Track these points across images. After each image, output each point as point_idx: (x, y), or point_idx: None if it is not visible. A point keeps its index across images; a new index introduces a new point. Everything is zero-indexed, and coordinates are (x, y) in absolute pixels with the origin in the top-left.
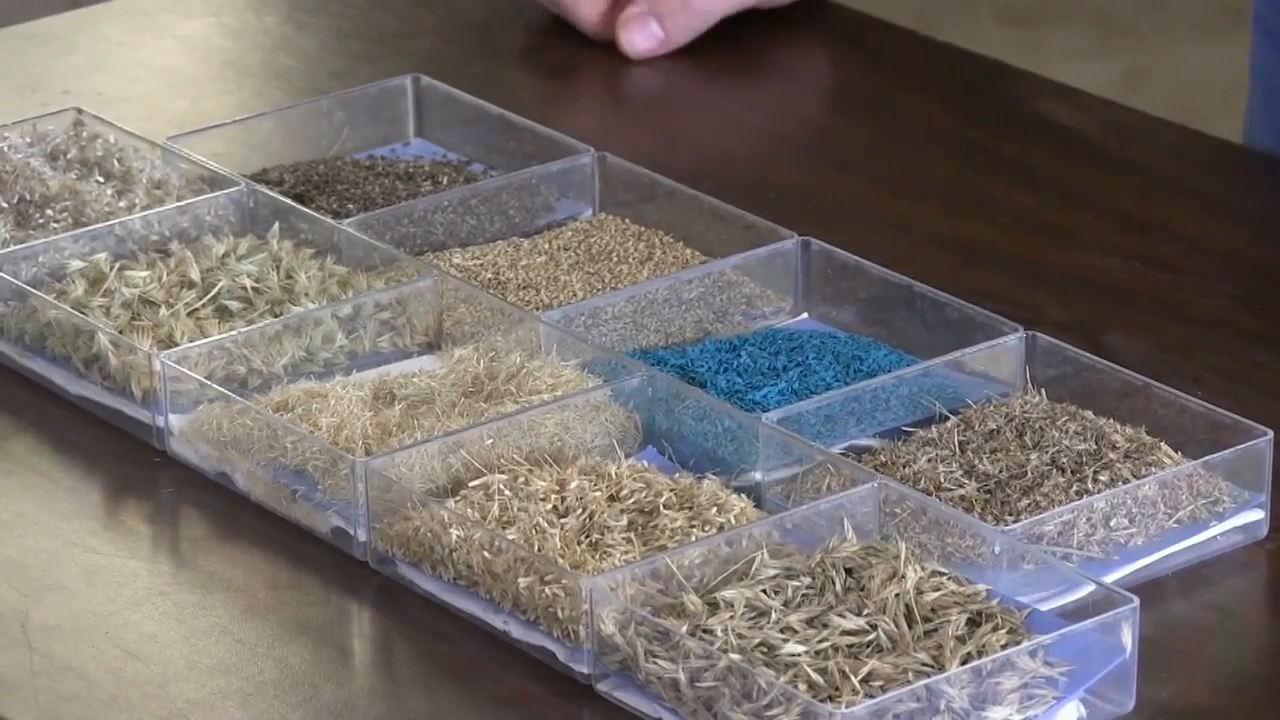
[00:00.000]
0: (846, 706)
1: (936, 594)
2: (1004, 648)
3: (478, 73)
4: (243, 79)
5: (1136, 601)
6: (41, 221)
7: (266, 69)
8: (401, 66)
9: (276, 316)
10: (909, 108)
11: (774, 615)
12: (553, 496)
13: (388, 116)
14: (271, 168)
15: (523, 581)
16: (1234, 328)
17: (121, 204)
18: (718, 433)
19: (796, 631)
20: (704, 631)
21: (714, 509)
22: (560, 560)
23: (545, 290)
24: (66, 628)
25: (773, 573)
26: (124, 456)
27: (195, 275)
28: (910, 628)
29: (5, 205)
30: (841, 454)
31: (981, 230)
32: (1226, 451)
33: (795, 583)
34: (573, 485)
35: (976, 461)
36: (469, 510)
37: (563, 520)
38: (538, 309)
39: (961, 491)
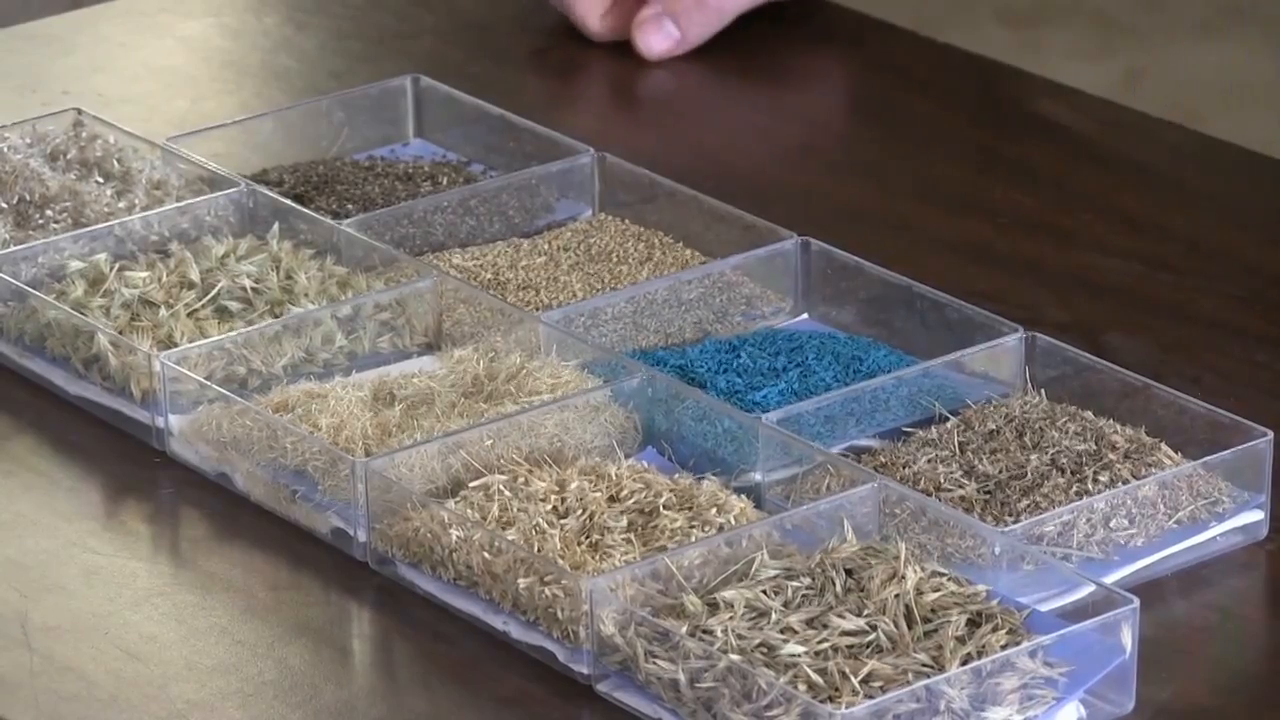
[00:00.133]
0: (846, 707)
1: (936, 594)
2: (1004, 648)
3: (477, 73)
4: (242, 79)
5: (1136, 602)
6: (41, 222)
7: (266, 69)
8: (401, 67)
9: (276, 317)
10: (909, 108)
11: (774, 616)
12: (552, 497)
13: (387, 117)
14: (271, 168)
15: (522, 582)
16: (1234, 328)
17: (121, 204)
18: (717, 433)
19: (796, 632)
20: (704, 632)
21: (714, 509)
22: (560, 561)
23: (545, 291)
24: (66, 628)
25: (773, 573)
26: (124, 457)
27: (195, 276)
28: (910, 628)
29: (5, 206)
30: (841, 455)
31: (981, 230)
32: (1226, 452)
33: (795, 583)
34: (572, 486)
35: (976, 462)
36: (469, 511)
37: (563, 521)
38: (537, 309)
39: (961, 492)
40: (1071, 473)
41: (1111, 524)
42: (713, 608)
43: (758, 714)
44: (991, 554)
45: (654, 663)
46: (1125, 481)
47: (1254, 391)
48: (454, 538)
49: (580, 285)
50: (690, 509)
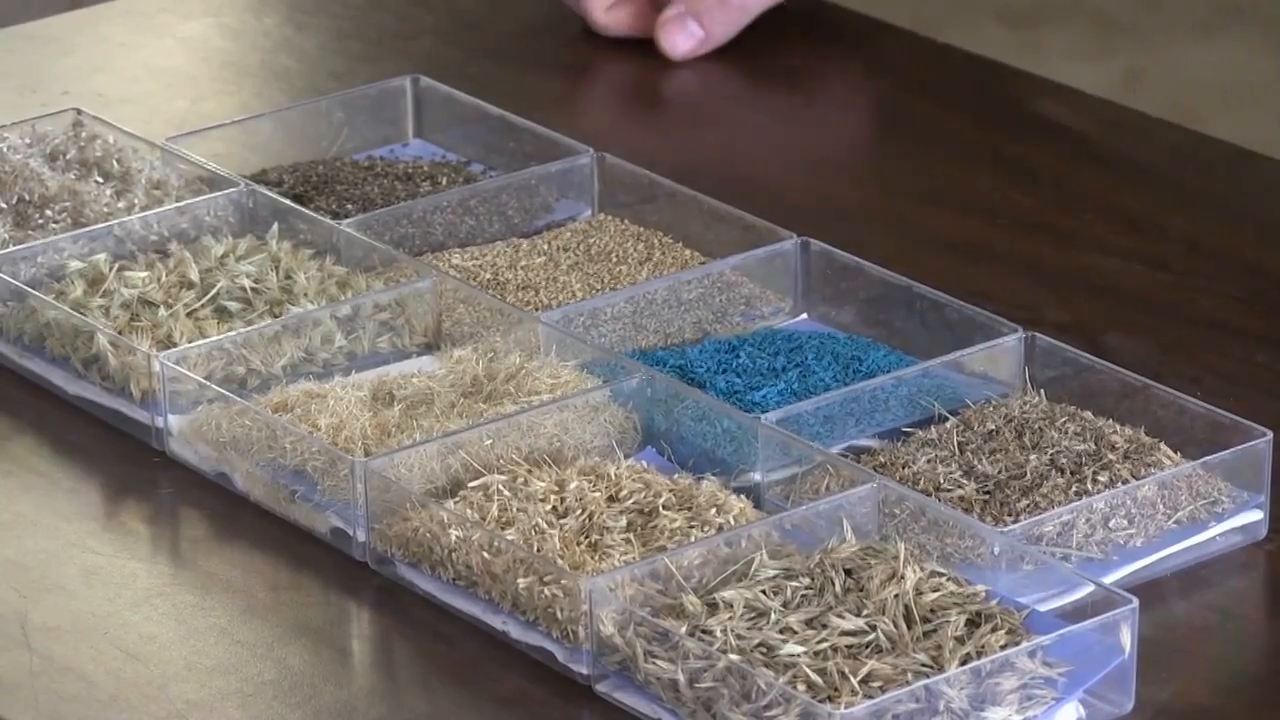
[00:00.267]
0: (846, 707)
1: (936, 595)
2: (1003, 648)
3: (477, 73)
4: (242, 80)
5: (1136, 602)
6: (41, 222)
7: (266, 70)
8: (401, 67)
9: (275, 317)
10: (909, 108)
11: (773, 616)
12: (552, 497)
13: (387, 117)
14: (271, 168)
15: (522, 582)
16: (1234, 328)
17: (120, 204)
18: (717, 433)
19: (796, 632)
20: (703, 632)
21: (713, 510)
22: (559, 561)
23: (544, 291)
24: (66, 629)
25: (772, 573)
26: (123, 457)
27: (194, 276)
28: (909, 628)
29: (4, 206)
30: (841, 455)
31: (981, 230)
32: (1226, 452)
33: (794, 583)
34: (572, 486)
35: (976, 462)
36: (468, 511)
37: (562, 521)
38: (537, 309)
39: (961, 492)
40: (1071, 473)
41: (1111, 524)
42: (712, 608)
43: (757, 714)
44: (991, 554)
45: (653, 663)
46: (1125, 482)
47: (1254, 391)
48: (453, 538)
49: (580, 285)
50: (689, 509)
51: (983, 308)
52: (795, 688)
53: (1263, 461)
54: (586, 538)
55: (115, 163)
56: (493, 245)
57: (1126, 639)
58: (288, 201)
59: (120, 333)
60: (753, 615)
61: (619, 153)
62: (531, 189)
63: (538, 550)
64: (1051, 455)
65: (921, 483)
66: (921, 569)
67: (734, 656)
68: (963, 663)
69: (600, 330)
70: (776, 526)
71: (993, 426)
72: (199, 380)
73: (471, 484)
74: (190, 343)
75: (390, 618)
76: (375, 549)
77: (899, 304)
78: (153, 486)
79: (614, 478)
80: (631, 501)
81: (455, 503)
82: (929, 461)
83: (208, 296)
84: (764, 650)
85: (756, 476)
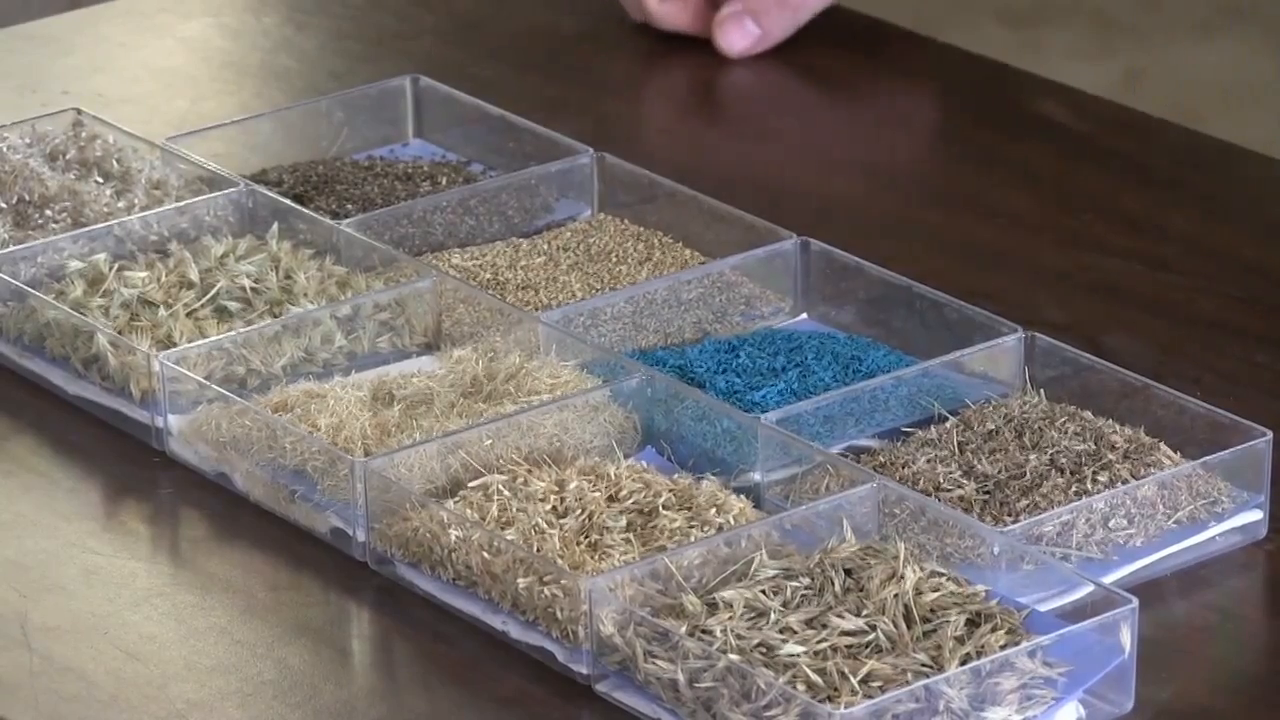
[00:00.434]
0: (845, 707)
1: (935, 594)
2: (1003, 648)
3: (477, 73)
4: (242, 79)
5: (1135, 602)
6: (40, 222)
7: (266, 70)
8: (401, 67)
9: (275, 317)
10: (908, 108)
11: (773, 616)
12: (552, 497)
13: (387, 117)
14: (271, 168)
15: (522, 582)
16: (1234, 328)
17: (120, 204)
18: (717, 433)
19: (795, 632)
20: (703, 632)
21: (713, 509)
22: (559, 561)
23: (544, 291)
24: (66, 628)
25: (772, 573)
26: (123, 457)
27: (194, 276)
28: (909, 628)
29: (4, 206)
30: (840, 455)
31: (981, 230)
32: (1226, 452)
33: (794, 583)
34: (572, 486)
35: (975, 462)
36: (468, 511)
37: (562, 521)
38: (537, 309)
39: (960, 492)
40: (1071, 473)
41: (1111, 524)
42: (712, 608)
43: (757, 714)
44: (991, 554)
45: (653, 663)
46: (1124, 481)
47: (1254, 391)
48: (453, 538)
49: (579, 285)
50: (689, 509)
51: (983, 308)
52: (795, 688)
53: (1262, 461)
54: (586, 538)
55: (115, 163)
56: (493, 245)
57: (1126, 639)
58: (288, 201)
59: (120, 333)
60: (753, 615)
61: (618, 153)
62: (531, 189)
63: (537, 550)
64: (1051, 455)
65: (921, 483)
66: (921, 569)
67: (734, 656)
68: (962, 663)
69: (600, 330)
70: (776, 526)
71: (992, 426)
72: (199, 380)
73: (471, 484)
74: (190, 343)
75: (390, 618)
76: (375, 549)
77: (899, 304)
78: (153, 486)
79: (614, 478)
80: (631, 501)
81: (455, 503)
82: (929, 461)
83: (208, 296)
84: (764, 650)
85: (756, 476)
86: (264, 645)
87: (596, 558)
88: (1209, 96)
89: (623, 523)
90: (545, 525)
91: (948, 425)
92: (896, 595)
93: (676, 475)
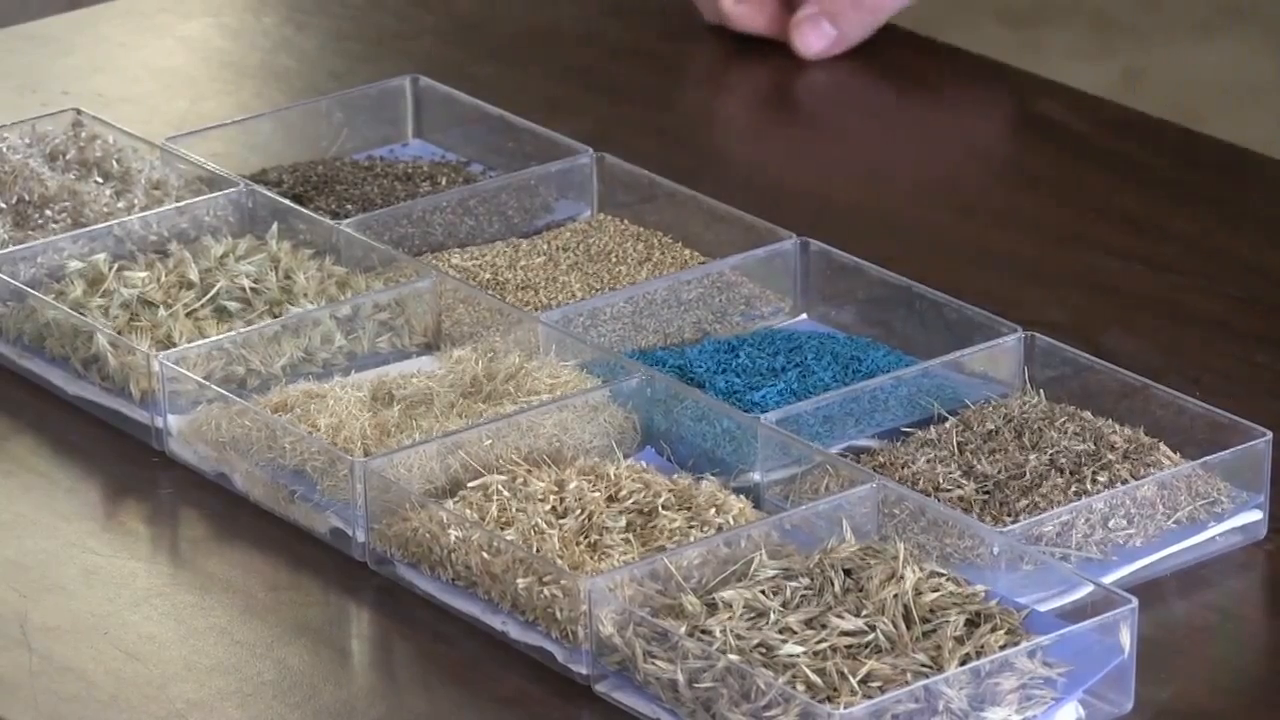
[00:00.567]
0: (845, 707)
1: (935, 595)
2: (1002, 648)
3: (477, 73)
4: (242, 80)
5: (1135, 602)
6: (40, 222)
7: (266, 70)
8: (401, 67)
9: (275, 317)
10: (908, 108)
11: (773, 616)
12: (551, 497)
13: (387, 117)
14: (270, 168)
15: (521, 582)
16: (1234, 328)
17: (120, 204)
18: (716, 433)
19: (795, 632)
20: (702, 632)
21: (713, 510)
22: (559, 561)
23: (544, 291)
24: (66, 628)
25: (771, 573)
26: (123, 457)
27: (194, 276)
28: (909, 628)
29: (4, 206)
30: (840, 455)
31: (981, 230)
32: (1225, 452)
33: (794, 583)
34: (571, 486)
35: (975, 462)
36: (468, 511)
37: (561, 521)
38: (536, 309)
39: (960, 492)
40: (1070, 473)
41: (1110, 524)
42: (711, 608)
43: (756, 714)
44: (990, 554)
45: (653, 663)
46: (1124, 482)
47: (1253, 392)
48: (453, 538)
49: (579, 285)
50: (689, 509)
51: (982, 308)
52: (795, 688)
53: (1262, 461)
54: (586, 538)
55: (115, 163)
56: (492, 245)
57: (1126, 639)
58: (287, 201)
59: (120, 333)
60: (752, 615)
61: (618, 153)
62: (531, 189)
63: (537, 550)
64: (1051, 455)
65: (921, 483)
66: (921, 569)
67: (733, 657)
68: (962, 663)
69: (600, 330)
70: (776, 526)
71: (992, 426)
72: (198, 380)
73: (471, 484)
74: (190, 343)
75: (390, 618)
76: (375, 549)
77: (899, 304)
78: (152, 486)
79: (613, 478)
80: (631, 501)
81: (455, 503)
82: (929, 461)
83: (207, 296)
84: (763, 650)
85: (756, 476)
86: (263, 645)
87: (596, 558)
88: (1209, 96)
89: (622, 523)
90: (545, 525)
91: (947, 425)
92: (896, 595)
93: (676, 475)
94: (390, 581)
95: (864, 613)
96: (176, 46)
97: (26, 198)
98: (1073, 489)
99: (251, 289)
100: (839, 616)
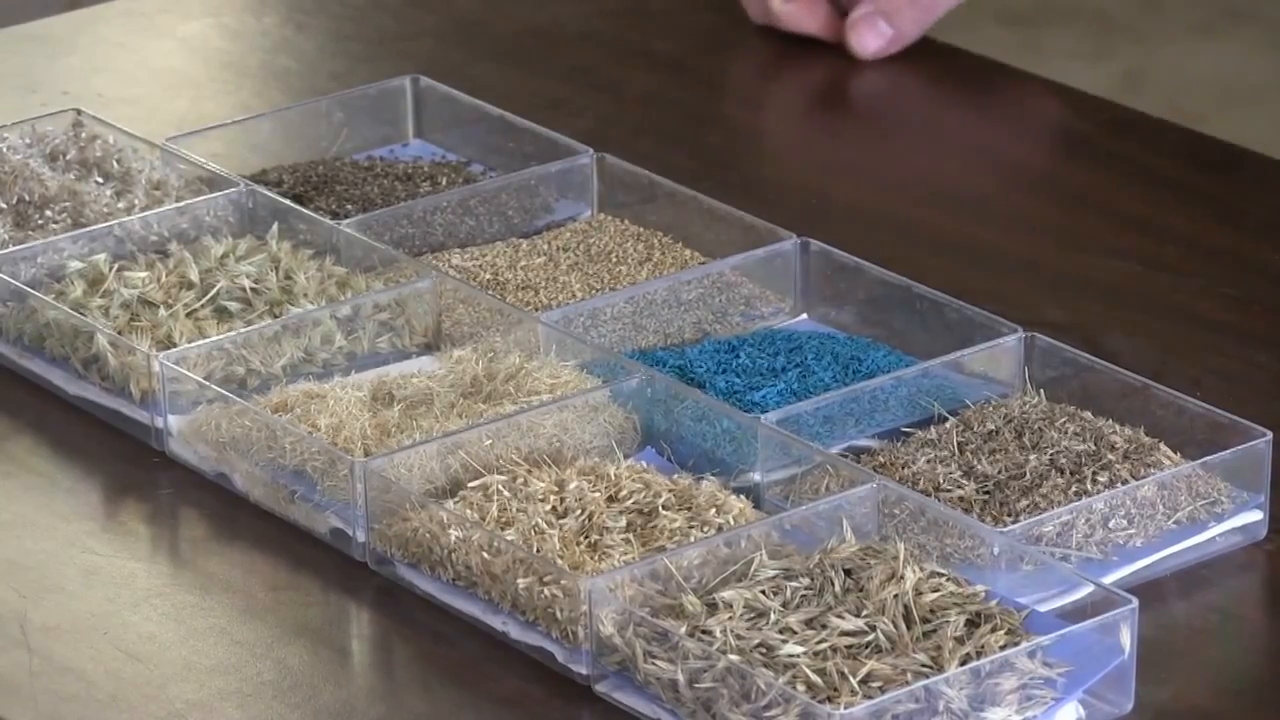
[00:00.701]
0: (845, 707)
1: (935, 595)
2: (1003, 648)
3: (477, 74)
4: (242, 80)
5: (1135, 602)
6: (40, 222)
7: (266, 70)
8: (401, 67)
9: (275, 317)
10: (909, 108)
11: (773, 616)
12: (551, 497)
13: (387, 117)
14: (270, 168)
15: (521, 582)
16: (1234, 329)
17: (120, 205)
18: (716, 433)
19: (795, 632)
20: (703, 632)
21: (713, 510)
22: (559, 561)
23: (544, 291)
24: (66, 628)
25: (771, 573)
26: (123, 457)
27: (194, 276)
28: (909, 628)
29: (4, 206)
30: (840, 455)
31: (981, 230)
32: (1226, 452)
33: (794, 583)
34: (571, 486)
35: (975, 462)
36: (468, 511)
37: (561, 521)
38: (537, 310)
39: (960, 492)
40: (1070, 473)
41: (1110, 524)
42: (712, 608)
43: (756, 714)
44: (990, 554)
45: (653, 663)
46: (1124, 482)
47: (1254, 392)
48: (453, 538)
49: (579, 285)
50: (689, 509)
51: (982, 308)
52: (795, 688)
53: (1262, 462)
54: (586, 538)
55: (115, 163)
56: (493, 245)
57: (1126, 639)
58: (287, 201)
59: (120, 333)
60: (752, 615)
61: (618, 153)
62: (531, 189)
63: (537, 550)
64: (1051, 455)
65: (921, 483)
66: (921, 569)
67: (733, 657)
68: (962, 663)
69: (600, 330)
70: (776, 526)
71: (992, 427)
72: (199, 380)
73: (471, 484)
74: (190, 343)
75: (390, 618)
76: (375, 549)
77: (899, 304)
78: (152, 486)
79: (614, 478)
80: (631, 502)
81: (455, 503)
82: (929, 461)
83: (207, 297)
84: (764, 650)
85: (756, 476)
86: (263, 645)
87: (596, 558)
88: (1209, 96)
89: (622, 523)
90: (545, 525)
91: (948, 425)
92: (896, 595)
93: (676, 475)
94: (390, 581)
95: (864, 613)
96: (176, 47)
97: (27, 198)
98: (1073, 489)
99: (252, 289)
100: (839, 617)
